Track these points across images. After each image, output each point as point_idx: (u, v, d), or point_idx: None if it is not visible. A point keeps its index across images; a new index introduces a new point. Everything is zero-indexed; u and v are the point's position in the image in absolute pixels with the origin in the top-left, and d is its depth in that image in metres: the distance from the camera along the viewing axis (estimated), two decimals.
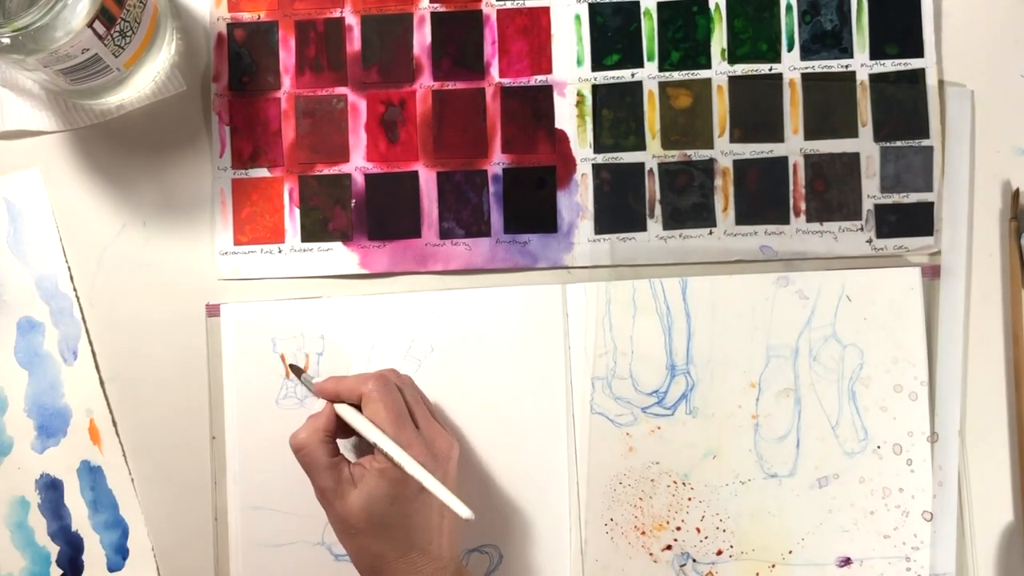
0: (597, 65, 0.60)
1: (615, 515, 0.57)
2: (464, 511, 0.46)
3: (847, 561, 0.57)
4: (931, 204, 0.59)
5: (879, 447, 0.57)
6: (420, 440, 0.49)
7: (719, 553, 0.57)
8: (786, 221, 0.59)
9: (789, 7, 0.59)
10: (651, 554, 0.57)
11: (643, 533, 0.57)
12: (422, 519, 0.48)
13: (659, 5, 0.60)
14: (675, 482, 0.57)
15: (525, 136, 0.60)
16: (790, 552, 0.57)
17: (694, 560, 0.57)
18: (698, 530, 0.57)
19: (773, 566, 0.57)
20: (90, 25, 0.50)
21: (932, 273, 0.58)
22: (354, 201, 0.60)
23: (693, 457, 0.57)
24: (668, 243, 0.59)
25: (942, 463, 0.57)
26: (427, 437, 0.50)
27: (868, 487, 0.57)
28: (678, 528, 0.57)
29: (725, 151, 0.59)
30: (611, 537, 0.57)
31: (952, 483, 0.57)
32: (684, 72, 0.60)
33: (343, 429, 0.51)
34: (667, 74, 0.60)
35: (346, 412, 0.50)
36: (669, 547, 0.57)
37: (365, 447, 0.53)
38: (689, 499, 0.57)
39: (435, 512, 0.49)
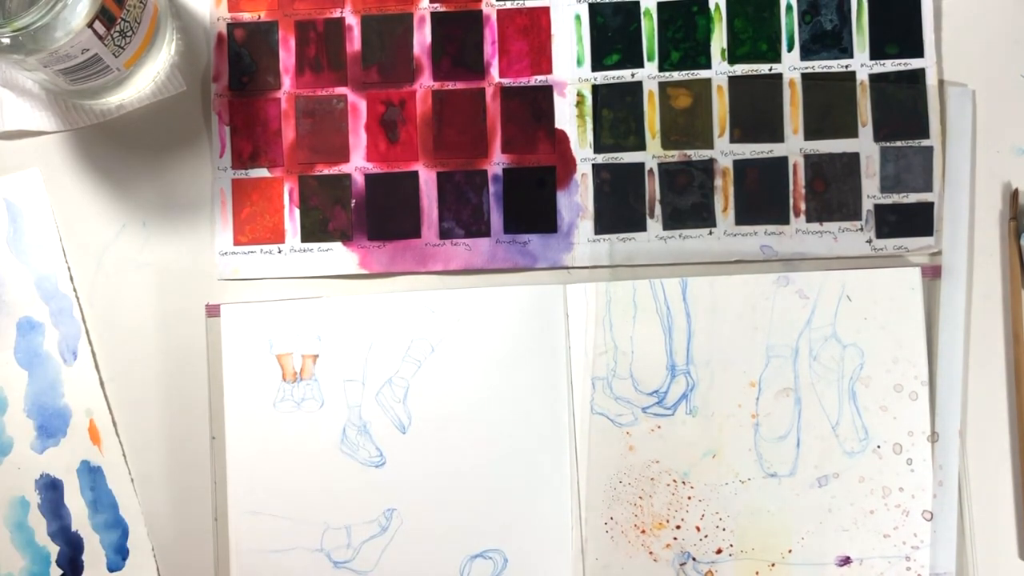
0: (597, 65, 0.60)
1: (615, 514, 0.57)
2: None
3: (847, 560, 0.57)
4: (931, 204, 0.59)
5: (879, 446, 0.57)
6: None
7: (719, 552, 0.57)
8: (786, 221, 0.59)
9: (789, 7, 0.59)
10: (651, 553, 0.57)
11: (643, 532, 0.57)
12: None
13: (659, 5, 0.60)
14: (675, 481, 0.57)
15: (525, 136, 0.60)
16: (790, 551, 0.57)
17: (694, 559, 0.57)
18: (698, 529, 0.57)
19: (773, 565, 0.57)
20: (90, 25, 0.50)
21: (932, 273, 0.58)
22: (354, 201, 0.60)
23: (693, 456, 0.57)
24: (668, 243, 0.59)
25: (942, 462, 0.57)
26: None
27: (868, 486, 0.57)
28: (678, 527, 0.57)
29: (725, 151, 0.59)
30: (611, 536, 0.57)
31: (952, 483, 0.57)
32: (684, 72, 0.60)
33: None
34: (667, 74, 0.60)
35: None
36: (669, 546, 0.57)
37: None
38: (689, 498, 0.57)
39: None
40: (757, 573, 0.57)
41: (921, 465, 0.57)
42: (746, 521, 0.57)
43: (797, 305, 0.58)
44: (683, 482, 0.57)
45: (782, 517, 0.57)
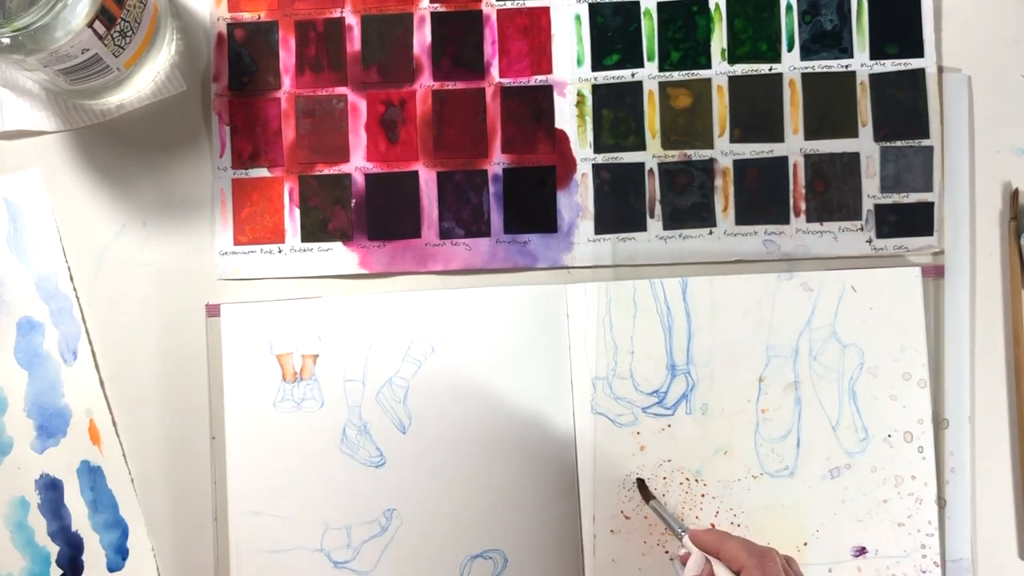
0: (597, 65, 0.60)
1: (629, 514, 0.57)
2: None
3: (862, 551, 0.57)
4: (931, 204, 0.59)
5: (890, 435, 0.57)
6: None
7: None
8: (786, 221, 0.59)
9: (789, 7, 0.59)
10: (667, 552, 0.57)
11: (658, 531, 0.57)
12: None
13: (659, 5, 0.60)
14: (687, 479, 0.57)
15: (525, 136, 0.60)
16: (805, 544, 0.57)
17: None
18: (713, 526, 0.57)
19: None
20: (90, 25, 0.50)
21: (932, 273, 0.58)
22: (354, 201, 0.60)
23: (704, 454, 0.57)
24: (668, 243, 0.59)
25: (954, 449, 0.57)
26: None
27: (880, 476, 0.57)
28: (692, 525, 0.57)
29: (725, 151, 0.59)
30: (626, 536, 0.57)
31: (965, 469, 0.57)
32: (684, 72, 0.60)
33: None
34: (667, 74, 0.60)
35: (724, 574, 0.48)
36: None
37: None
38: (702, 495, 0.57)
39: None
40: None
41: (932, 453, 0.57)
42: (760, 516, 0.57)
43: (800, 299, 0.57)
44: (696, 480, 0.57)
45: (796, 511, 0.57)
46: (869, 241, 0.59)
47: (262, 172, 0.60)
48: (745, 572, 0.46)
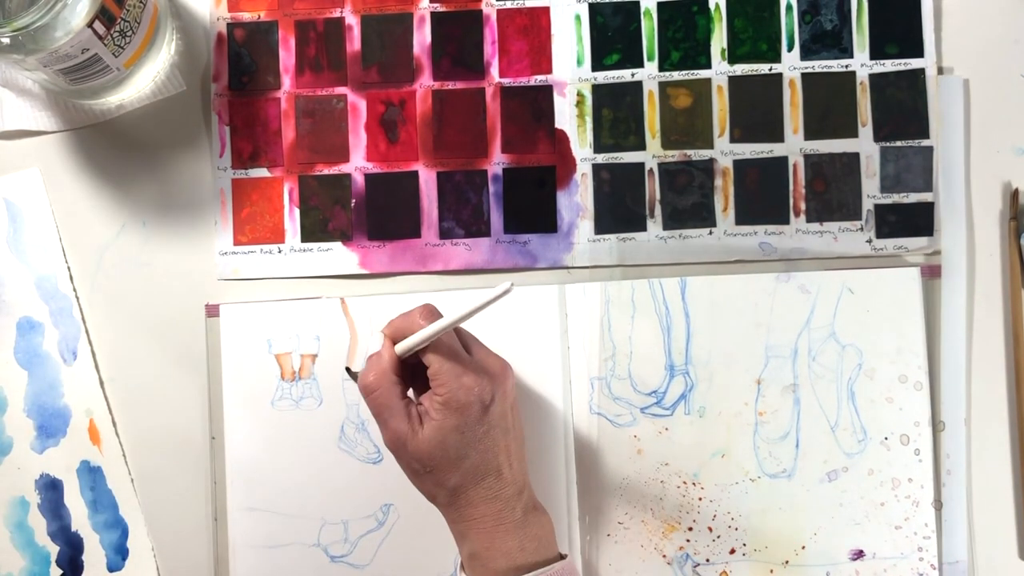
0: (597, 65, 0.60)
1: (625, 519, 0.57)
2: (503, 285, 0.47)
3: (860, 554, 0.57)
4: (931, 204, 0.59)
5: (887, 438, 0.57)
6: (473, 363, 0.49)
7: (732, 552, 0.57)
8: (786, 221, 0.59)
9: (789, 7, 0.59)
10: (664, 556, 0.57)
11: (655, 535, 0.57)
12: (490, 442, 0.48)
13: (659, 5, 0.60)
14: (684, 483, 0.57)
15: (525, 136, 0.60)
16: (803, 548, 0.57)
17: (707, 560, 0.57)
18: (710, 530, 0.57)
19: (786, 563, 0.57)
20: (90, 25, 0.50)
21: (932, 273, 0.58)
22: (354, 201, 0.60)
23: (702, 457, 0.57)
24: (668, 243, 0.59)
25: (950, 452, 0.57)
26: (479, 359, 0.50)
27: (877, 479, 0.57)
28: (690, 528, 0.57)
29: (725, 151, 0.59)
30: (623, 541, 0.57)
31: (961, 471, 0.57)
32: (684, 72, 0.60)
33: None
34: (667, 74, 0.60)
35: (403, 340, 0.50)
36: (682, 548, 0.57)
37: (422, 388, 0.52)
38: (699, 499, 0.57)
39: (499, 435, 0.49)
40: (771, 571, 0.57)
41: (929, 455, 0.57)
42: (758, 520, 0.57)
43: (798, 300, 0.57)
44: (693, 483, 0.57)
45: (794, 514, 0.57)
46: (869, 241, 0.59)
47: (262, 172, 0.60)
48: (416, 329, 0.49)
